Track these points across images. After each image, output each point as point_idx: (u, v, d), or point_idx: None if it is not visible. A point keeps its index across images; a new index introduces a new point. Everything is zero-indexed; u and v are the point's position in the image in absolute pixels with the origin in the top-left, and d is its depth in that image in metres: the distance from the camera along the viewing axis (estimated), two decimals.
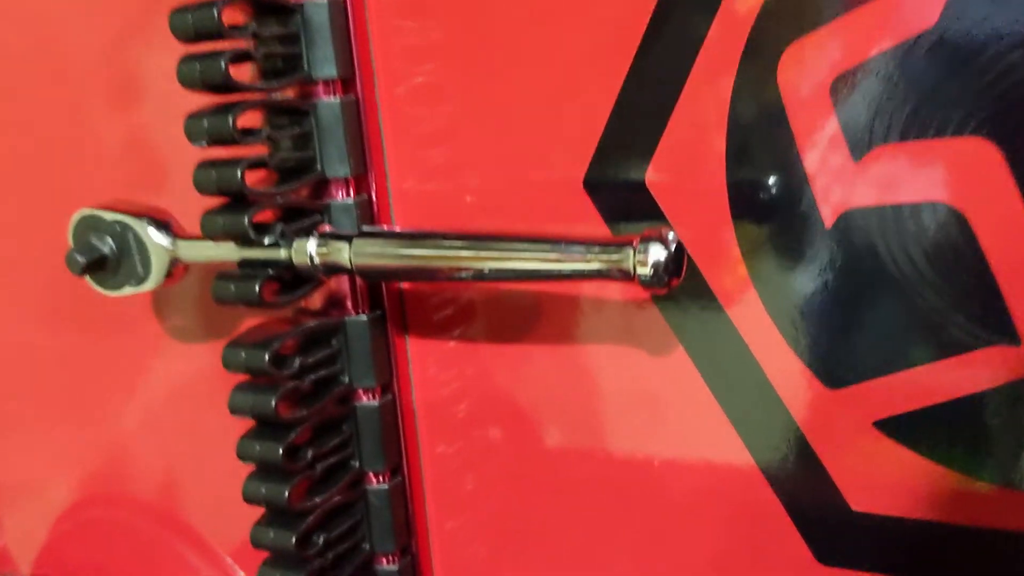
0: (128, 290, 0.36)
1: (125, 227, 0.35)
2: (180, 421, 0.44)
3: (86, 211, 0.36)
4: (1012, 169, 0.25)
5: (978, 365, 0.27)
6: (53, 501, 0.49)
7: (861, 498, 0.29)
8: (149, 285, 0.35)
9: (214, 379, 0.39)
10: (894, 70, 0.26)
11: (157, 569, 0.47)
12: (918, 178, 0.26)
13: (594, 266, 0.26)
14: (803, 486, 0.30)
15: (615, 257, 0.26)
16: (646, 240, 0.26)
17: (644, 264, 0.25)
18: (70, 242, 0.36)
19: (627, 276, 0.26)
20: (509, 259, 0.28)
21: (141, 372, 0.43)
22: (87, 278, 0.36)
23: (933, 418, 0.28)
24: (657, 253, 0.25)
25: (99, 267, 0.35)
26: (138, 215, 0.35)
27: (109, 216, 0.35)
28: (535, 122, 0.32)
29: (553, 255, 0.27)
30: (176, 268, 0.35)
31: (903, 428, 0.28)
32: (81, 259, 0.35)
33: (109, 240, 0.35)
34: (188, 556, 0.46)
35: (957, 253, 0.26)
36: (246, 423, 0.34)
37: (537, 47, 0.32)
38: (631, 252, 0.26)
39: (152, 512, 0.46)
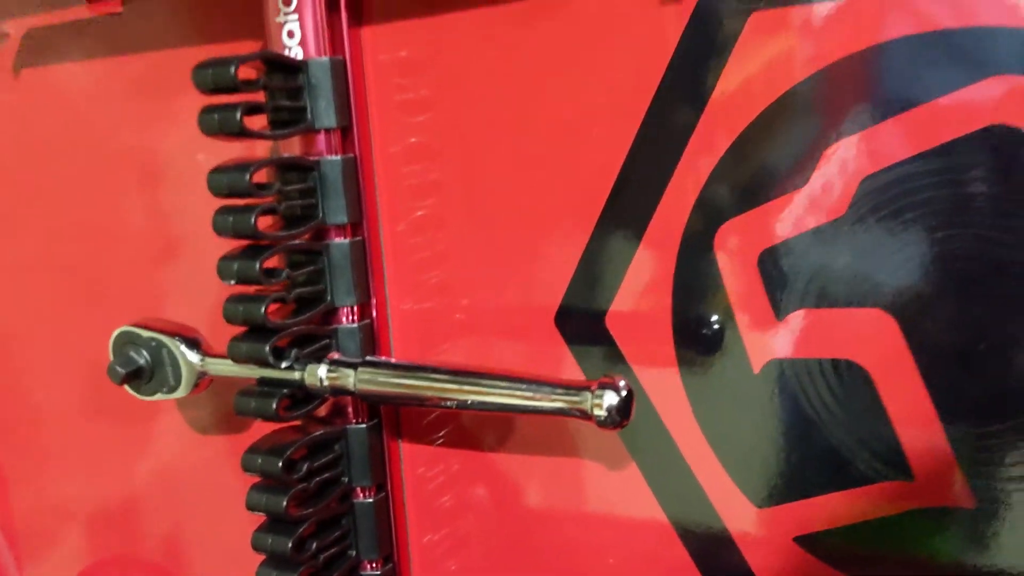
0: (159, 396, 0.41)
1: (160, 344, 0.40)
2: (194, 499, 0.49)
3: (125, 328, 0.41)
4: (905, 336, 0.31)
5: (880, 495, 0.32)
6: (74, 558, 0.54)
7: None
8: (179, 394, 0.41)
9: (227, 465, 0.45)
10: (810, 249, 0.31)
11: None
12: (830, 338, 0.32)
13: (558, 405, 0.31)
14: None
15: (576, 399, 0.31)
16: (602, 386, 0.31)
17: (600, 407, 0.31)
18: (110, 354, 0.42)
19: (585, 416, 0.31)
20: (488, 394, 0.33)
21: (162, 455, 0.48)
22: (125, 386, 0.41)
23: (843, 537, 0.33)
24: (611, 399, 0.31)
25: (136, 377, 0.41)
26: (172, 334, 0.40)
27: (146, 333, 0.41)
28: (517, 260, 0.38)
29: (526, 393, 0.32)
30: (203, 380, 0.40)
31: (818, 545, 0.33)
32: (121, 370, 0.40)
33: (145, 353, 0.41)
34: None
35: (862, 402, 0.32)
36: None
37: (520, 200, 0.37)
38: (589, 396, 0.31)
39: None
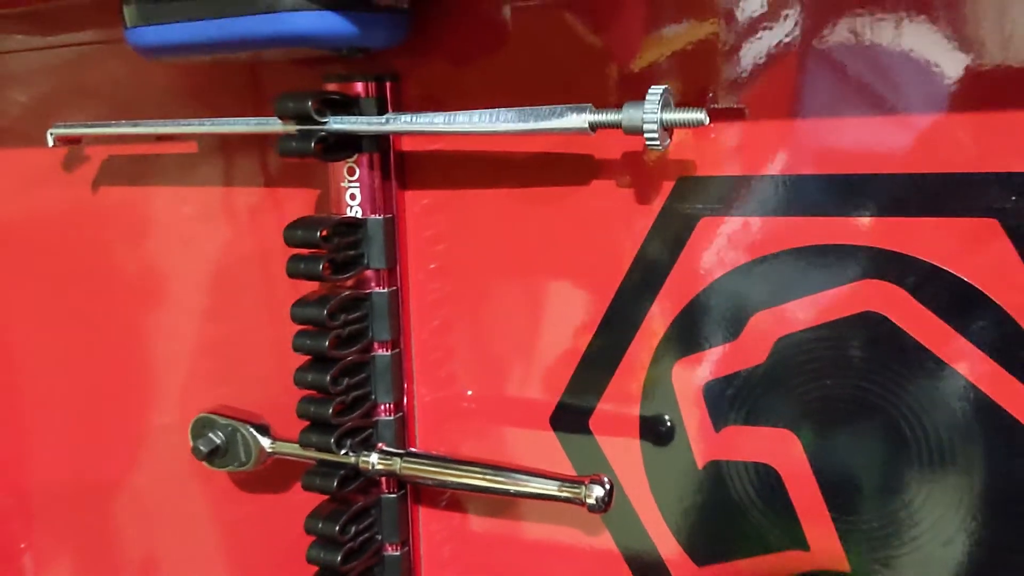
0: (230, 469, 0.52)
1: (235, 428, 0.51)
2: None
3: (202, 414, 0.52)
4: (805, 450, 0.43)
5: (786, 561, 0.45)
6: None
7: None
8: (248, 468, 0.52)
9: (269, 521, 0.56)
10: (739, 384, 0.44)
11: None
12: (752, 448, 0.44)
13: (562, 494, 0.44)
14: None
15: (573, 491, 0.43)
16: (592, 482, 0.43)
17: (590, 497, 0.43)
18: (189, 436, 0.52)
19: (579, 503, 0.43)
20: (504, 483, 0.45)
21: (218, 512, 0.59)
22: (205, 462, 0.52)
23: None
24: (598, 492, 0.43)
25: (214, 454, 0.52)
26: (244, 421, 0.51)
27: (222, 420, 0.52)
28: (519, 364, 0.50)
29: (536, 483, 0.44)
30: (269, 459, 0.51)
31: None
32: (204, 449, 0.51)
33: (220, 435, 0.52)
34: None
35: (775, 494, 0.44)
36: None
37: (523, 319, 0.49)
38: (583, 488, 0.43)
39: None
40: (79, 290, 0.60)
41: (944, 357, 0.40)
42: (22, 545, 0.67)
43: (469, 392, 0.52)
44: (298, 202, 0.53)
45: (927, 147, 0.39)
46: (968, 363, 0.40)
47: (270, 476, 0.55)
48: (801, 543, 0.44)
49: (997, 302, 0.39)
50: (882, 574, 0.43)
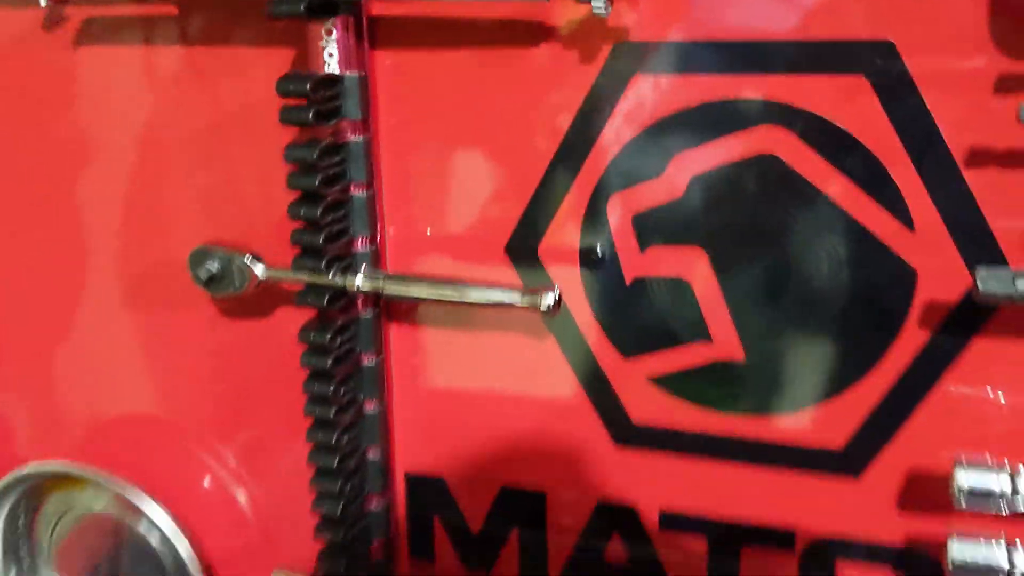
0: (226, 294, 0.60)
1: (231, 257, 0.59)
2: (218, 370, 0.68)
3: (200, 246, 0.60)
4: (712, 266, 0.54)
5: (696, 351, 0.56)
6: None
7: (639, 417, 0.58)
8: (241, 293, 0.60)
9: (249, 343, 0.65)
10: (662, 213, 0.54)
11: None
12: (671, 264, 0.55)
13: (522, 301, 0.54)
14: (608, 406, 0.59)
15: (531, 298, 0.54)
16: (545, 290, 0.53)
17: (545, 301, 0.53)
18: (188, 265, 0.60)
19: (536, 307, 0.53)
20: (473, 295, 0.55)
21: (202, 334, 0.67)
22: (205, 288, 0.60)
23: (677, 377, 0.57)
24: (551, 298, 0.53)
25: (211, 281, 0.60)
26: (240, 251, 0.59)
27: (218, 250, 0.60)
28: (478, 204, 0.59)
29: (500, 294, 0.54)
30: (261, 284, 0.60)
31: (662, 382, 0.57)
32: (203, 276, 0.59)
33: (217, 264, 0.60)
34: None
35: (686, 299, 0.55)
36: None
37: (481, 165, 0.58)
38: (539, 296, 0.53)
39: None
40: (75, 144, 0.66)
41: (823, 188, 0.51)
42: None
43: (428, 231, 0.61)
44: (277, 61, 0.59)
45: (812, 18, 0.49)
46: (841, 192, 0.51)
47: (260, 302, 0.63)
48: (706, 336, 0.56)
49: (864, 143, 0.50)
50: (767, 360, 0.55)
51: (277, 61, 0.59)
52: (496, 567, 0.65)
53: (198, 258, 0.60)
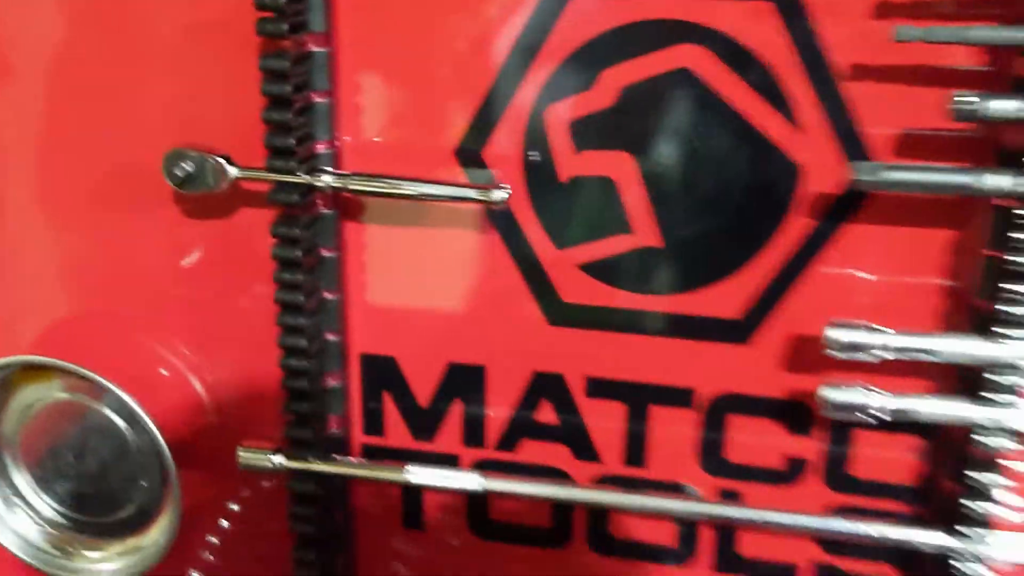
0: (198, 192, 0.66)
1: (204, 158, 0.65)
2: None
3: (174, 149, 0.65)
4: (637, 165, 0.64)
5: (620, 240, 0.66)
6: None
7: (569, 299, 0.68)
8: (213, 190, 0.66)
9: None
10: (594, 120, 0.63)
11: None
12: (601, 164, 0.64)
13: (477, 195, 0.62)
14: (542, 290, 0.68)
15: (484, 193, 0.62)
16: (495, 188, 0.62)
17: (496, 197, 0.62)
18: (162, 166, 0.66)
19: (488, 201, 0.62)
20: (432, 190, 0.63)
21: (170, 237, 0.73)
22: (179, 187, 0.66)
23: (605, 263, 0.67)
24: (499, 195, 0.62)
25: (186, 180, 0.65)
26: (212, 153, 0.65)
27: (192, 152, 0.65)
28: (430, 107, 0.66)
29: (456, 190, 0.62)
30: (235, 183, 0.66)
31: (588, 268, 0.67)
32: (179, 175, 0.65)
33: (191, 164, 0.65)
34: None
35: (609, 194, 0.65)
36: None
37: (433, 79, 0.66)
38: (490, 192, 0.62)
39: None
40: (48, 46, 0.69)
41: (729, 98, 0.61)
42: None
43: (376, 138, 0.68)
44: None
45: None
46: (744, 101, 0.61)
47: (222, 203, 0.70)
48: (627, 229, 0.65)
49: (765, 59, 0.60)
50: (679, 246, 0.65)
51: None
52: (440, 436, 0.75)
53: (173, 159, 0.65)
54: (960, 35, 0.51)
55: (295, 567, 0.75)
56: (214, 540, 0.81)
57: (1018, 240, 0.54)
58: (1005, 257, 0.55)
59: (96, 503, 0.79)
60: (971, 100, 0.52)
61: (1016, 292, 0.55)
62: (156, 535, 0.78)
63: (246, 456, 0.73)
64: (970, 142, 0.57)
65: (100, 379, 0.73)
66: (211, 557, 0.81)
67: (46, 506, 0.81)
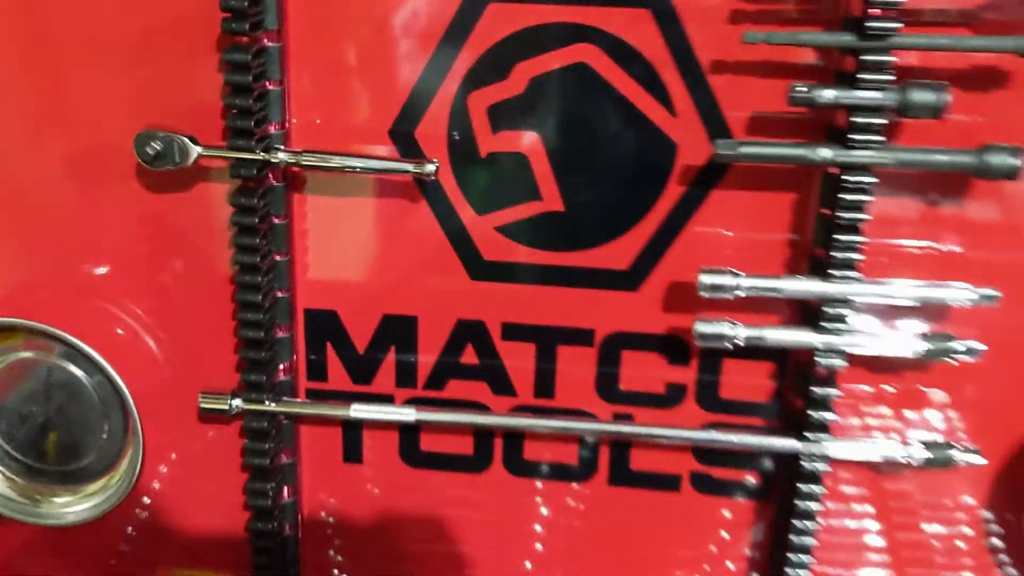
0: (166, 168, 0.76)
1: (171, 138, 0.75)
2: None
3: (144, 130, 0.75)
4: (543, 143, 0.77)
5: (529, 207, 0.79)
6: None
7: (488, 257, 0.81)
8: (180, 167, 0.76)
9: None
10: (508, 105, 0.76)
11: None
12: (514, 142, 0.77)
13: (412, 168, 0.74)
14: (465, 250, 0.81)
15: (418, 167, 0.74)
16: (428, 162, 0.74)
17: (428, 170, 0.74)
18: (133, 146, 0.75)
19: (421, 174, 0.74)
20: (374, 163, 0.74)
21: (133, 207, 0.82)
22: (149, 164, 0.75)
23: (517, 227, 0.79)
24: (431, 168, 0.74)
25: (155, 158, 0.75)
26: (179, 133, 0.75)
27: (161, 133, 0.75)
28: (368, 93, 0.77)
29: (395, 163, 0.74)
30: (198, 160, 0.76)
31: (504, 231, 0.79)
32: (150, 152, 0.75)
33: (160, 143, 0.75)
34: None
35: (523, 167, 0.78)
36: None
37: (373, 56, 0.77)
38: (423, 166, 0.74)
39: None
40: (26, 36, 0.78)
41: (618, 87, 0.74)
42: None
43: (318, 120, 0.79)
44: None
45: None
46: (630, 90, 0.74)
47: (194, 178, 0.79)
48: (537, 196, 0.78)
49: (646, 56, 0.73)
50: (579, 210, 0.78)
51: None
52: (376, 380, 0.86)
53: (143, 139, 0.75)
54: (794, 38, 0.66)
55: (248, 496, 0.86)
56: (172, 478, 0.90)
57: (843, 200, 0.69)
58: (834, 214, 0.71)
59: (61, 453, 0.88)
60: (804, 89, 0.66)
61: (843, 241, 0.71)
62: (119, 479, 0.87)
63: (207, 401, 0.83)
64: (806, 122, 0.73)
65: (64, 334, 0.82)
66: (170, 494, 0.90)
67: (12, 460, 0.88)
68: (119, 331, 0.87)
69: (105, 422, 0.86)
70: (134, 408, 0.83)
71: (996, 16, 0.69)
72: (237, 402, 0.82)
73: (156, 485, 0.90)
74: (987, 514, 0.83)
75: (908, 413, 0.82)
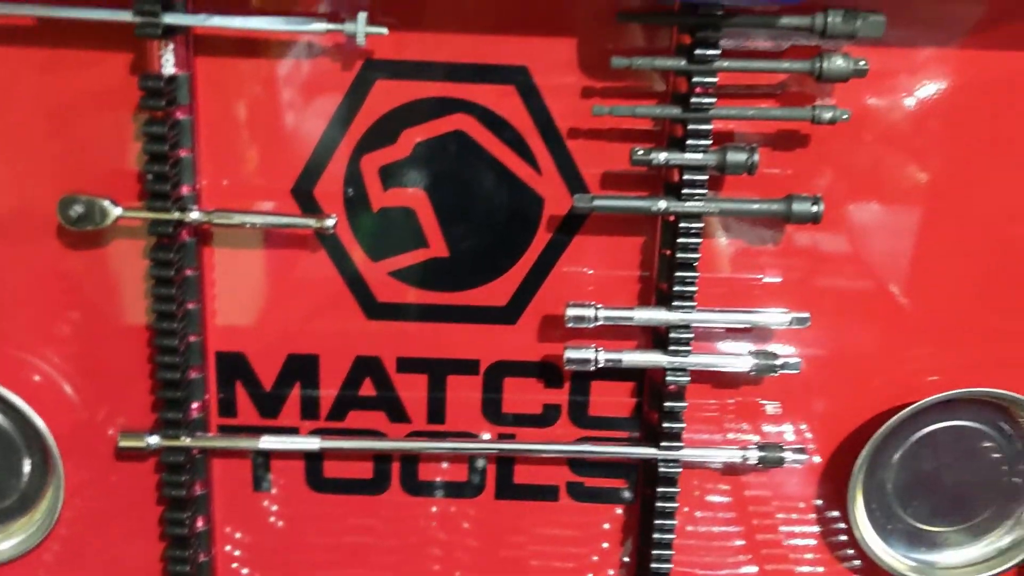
0: (87, 229, 0.84)
1: (92, 201, 0.83)
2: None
3: (66, 195, 0.83)
4: (429, 199, 0.88)
5: (416, 255, 0.90)
6: None
7: (382, 299, 0.91)
8: (101, 227, 0.84)
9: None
10: (397, 166, 0.87)
11: None
12: (402, 198, 0.88)
13: (313, 225, 0.84)
14: (361, 293, 0.91)
15: (318, 223, 0.84)
16: (327, 217, 0.84)
17: (328, 224, 0.84)
18: (57, 209, 0.83)
19: (321, 228, 0.84)
20: (279, 220, 0.84)
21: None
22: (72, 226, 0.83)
23: (408, 270, 0.90)
24: (330, 222, 0.84)
25: (79, 219, 0.83)
26: (99, 196, 0.84)
27: (83, 197, 0.83)
28: (271, 156, 0.88)
29: (297, 220, 0.84)
30: (117, 221, 0.84)
31: (399, 274, 0.90)
32: (73, 215, 0.83)
33: (82, 206, 0.83)
34: None
35: (413, 220, 0.89)
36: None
37: (275, 123, 0.87)
38: (324, 220, 0.84)
39: None
40: None
41: (491, 151, 0.87)
42: None
43: (226, 182, 0.89)
44: (118, 60, 0.83)
45: (483, 50, 0.84)
46: (502, 153, 0.87)
47: (112, 235, 0.87)
48: (424, 244, 0.90)
49: (514, 125, 0.86)
50: (462, 256, 0.90)
51: (118, 61, 0.84)
52: (283, 414, 0.95)
53: (67, 203, 0.83)
54: (632, 111, 0.80)
55: (166, 526, 0.93)
56: (92, 513, 0.97)
57: (679, 243, 0.83)
58: (673, 254, 0.84)
59: None
60: (642, 152, 0.80)
61: (681, 277, 0.84)
62: (41, 517, 0.93)
63: (126, 439, 0.90)
64: (649, 177, 0.86)
65: None
66: (90, 528, 0.97)
67: None
68: (36, 378, 0.93)
69: (27, 463, 0.92)
70: (55, 449, 0.90)
71: (797, 89, 0.84)
72: (154, 439, 0.90)
73: (76, 521, 0.96)
74: (822, 510, 0.98)
75: (748, 421, 0.96)
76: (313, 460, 0.96)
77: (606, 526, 0.99)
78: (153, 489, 0.95)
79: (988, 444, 0.94)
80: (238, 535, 0.99)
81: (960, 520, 0.96)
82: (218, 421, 0.95)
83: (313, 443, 0.92)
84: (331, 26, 0.80)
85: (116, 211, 0.84)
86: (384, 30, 0.80)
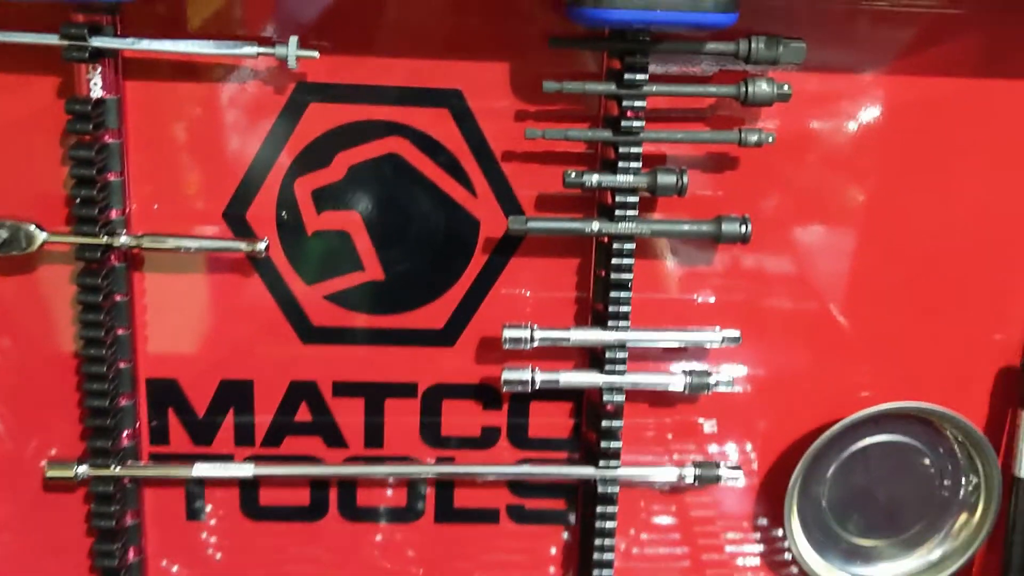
0: (13, 253, 0.82)
1: (17, 226, 0.82)
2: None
3: None
4: (363, 220, 0.88)
5: (352, 277, 0.89)
6: None
7: (318, 323, 0.91)
8: (27, 252, 0.82)
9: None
10: (331, 189, 0.87)
11: None
12: (336, 221, 0.88)
13: (245, 248, 0.83)
14: (296, 317, 0.90)
15: (249, 246, 0.83)
16: (259, 241, 0.84)
17: (259, 248, 0.83)
18: None
19: (253, 252, 0.83)
20: (209, 244, 0.83)
21: None
22: None
23: (346, 295, 0.90)
24: (262, 246, 0.83)
25: (4, 244, 0.81)
26: (25, 221, 0.82)
27: (8, 222, 0.81)
28: (202, 179, 0.87)
29: (229, 243, 0.83)
30: (43, 246, 0.83)
31: (333, 299, 0.90)
32: None
33: (7, 232, 0.81)
34: None
35: (345, 243, 0.88)
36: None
37: (206, 148, 0.86)
38: (255, 244, 0.83)
39: None
40: None
41: (426, 173, 0.87)
42: None
43: (156, 206, 0.88)
44: (45, 84, 0.82)
45: (417, 75, 0.84)
46: (436, 176, 0.87)
47: (38, 260, 0.86)
48: (360, 267, 0.89)
49: (448, 147, 0.86)
50: (398, 279, 0.90)
51: (45, 84, 0.82)
52: (216, 441, 0.94)
53: None
54: (564, 134, 0.80)
55: (95, 558, 0.91)
56: (19, 547, 0.94)
57: (613, 264, 0.84)
58: (607, 275, 0.85)
59: None
60: (574, 175, 0.81)
61: (615, 297, 0.85)
62: None
63: (53, 469, 0.88)
64: (583, 199, 0.87)
65: None
66: (17, 562, 0.94)
67: None
68: None
69: None
70: None
71: (726, 113, 0.86)
72: (83, 468, 0.88)
73: (3, 558, 0.93)
74: (764, 528, 0.99)
75: (689, 441, 0.97)
76: (248, 488, 0.95)
77: (552, 550, 0.99)
78: (83, 521, 0.92)
79: (919, 458, 0.96)
80: (175, 568, 0.97)
81: (894, 533, 0.98)
82: (150, 449, 0.93)
83: (247, 469, 0.91)
84: (262, 49, 0.79)
85: (42, 236, 0.82)
86: (315, 54, 0.80)
